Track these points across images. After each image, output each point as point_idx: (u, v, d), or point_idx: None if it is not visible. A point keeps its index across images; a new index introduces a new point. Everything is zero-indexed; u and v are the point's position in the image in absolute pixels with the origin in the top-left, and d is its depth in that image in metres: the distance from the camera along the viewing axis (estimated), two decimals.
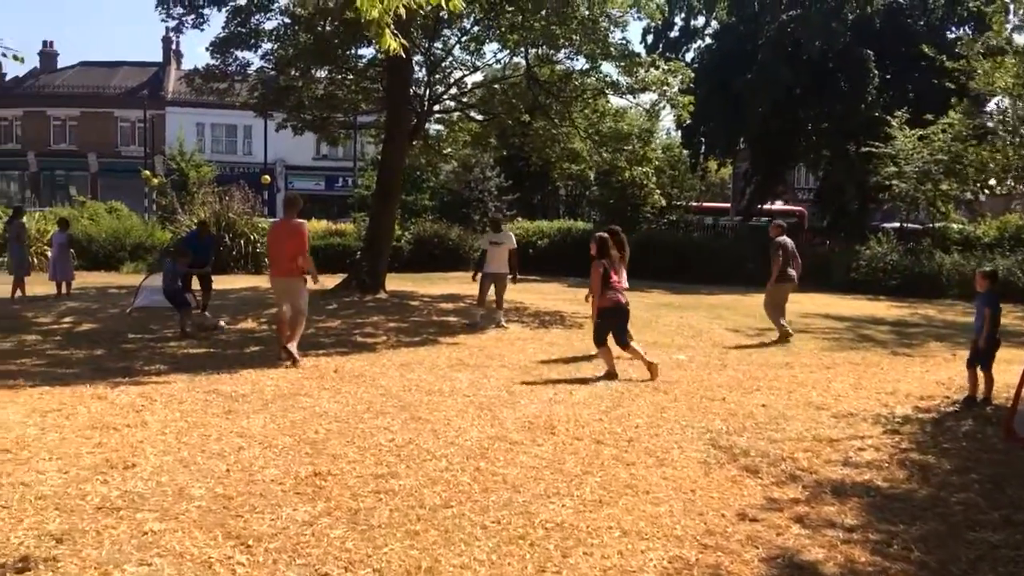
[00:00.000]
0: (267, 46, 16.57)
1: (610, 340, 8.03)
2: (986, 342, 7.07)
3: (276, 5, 16.00)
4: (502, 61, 18.55)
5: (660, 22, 22.55)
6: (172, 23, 15.90)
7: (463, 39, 17.64)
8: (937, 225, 22.87)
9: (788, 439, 5.91)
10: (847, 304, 16.56)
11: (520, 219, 26.63)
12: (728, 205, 33.97)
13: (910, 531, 4.20)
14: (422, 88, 17.60)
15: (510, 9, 15.02)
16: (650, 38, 30.54)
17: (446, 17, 15.57)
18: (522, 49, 16.44)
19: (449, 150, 21.58)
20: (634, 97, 17.03)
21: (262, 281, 16.38)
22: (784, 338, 10.67)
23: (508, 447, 5.49)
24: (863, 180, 23.66)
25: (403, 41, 4.75)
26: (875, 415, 6.73)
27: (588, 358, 8.84)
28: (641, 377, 7.92)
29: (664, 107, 17.05)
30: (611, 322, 8.07)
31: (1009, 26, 15.12)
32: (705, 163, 30.82)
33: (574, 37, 14.82)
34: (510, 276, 11.70)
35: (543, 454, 5.36)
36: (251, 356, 8.82)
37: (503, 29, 15.95)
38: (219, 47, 16.22)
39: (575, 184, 30.06)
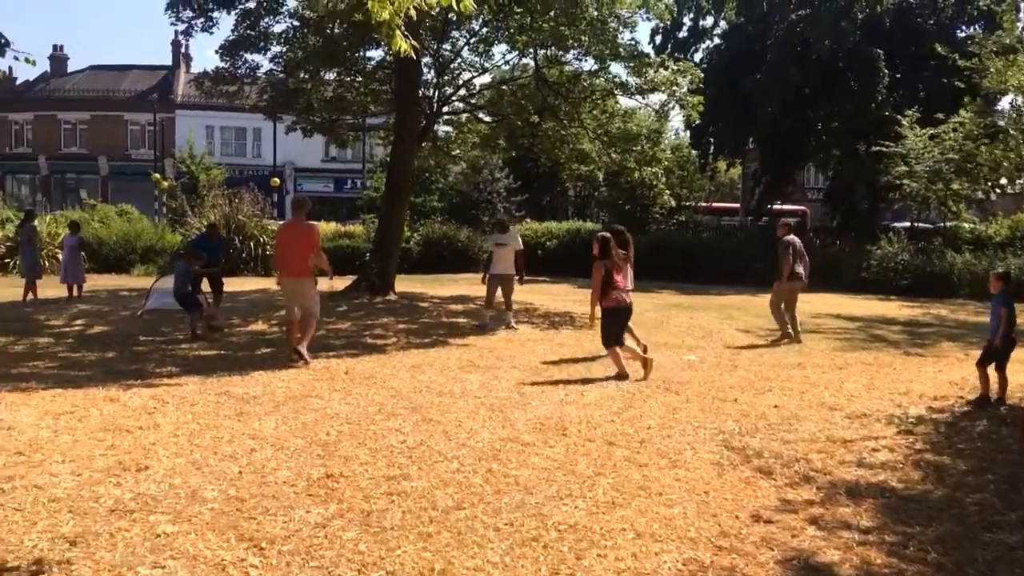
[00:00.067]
0: (276, 49, 16.67)
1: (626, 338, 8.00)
2: (1002, 342, 7.05)
3: (285, 8, 16.08)
4: (511, 62, 18.56)
5: (669, 23, 22.52)
6: (182, 26, 16.01)
7: (472, 40, 17.65)
8: (948, 224, 22.75)
9: (801, 440, 5.88)
10: (858, 304, 16.48)
11: (529, 220, 26.62)
12: (738, 205, 33.86)
13: (926, 532, 4.16)
14: (431, 90, 17.62)
15: (519, 10, 15.01)
16: (659, 39, 30.61)
17: (455, 19, 15.60)
18: (531, 50, 16.43)
19: (458, 151, 21.56)
20: (643, 98, 17.05)
21: (272, 283, 16.41)
22: (784, 338, 10.63)
23: (520, 448, 5.48)
24: (873, 179, 23.57)
25: (413, 43, 4.74)
26: (888, 416, 6.69)
27: (598, 359, 8.82)
28: (636, 377, 7.90)
29: (673, 107, 17.00)
30: (616, 322, 8.05)
31: (1020, 24, 15.08)
32: (714, 163, 30.77)
33: (583, 38, 14.83)
34: (517, 277, 11.71)
35: (555, 455, 5.34)
36: (262, 358, 8.83)
37: (512, 30, 15.96)
38: (228, 50, 16.30)
39: (584, 185, 30.06)
